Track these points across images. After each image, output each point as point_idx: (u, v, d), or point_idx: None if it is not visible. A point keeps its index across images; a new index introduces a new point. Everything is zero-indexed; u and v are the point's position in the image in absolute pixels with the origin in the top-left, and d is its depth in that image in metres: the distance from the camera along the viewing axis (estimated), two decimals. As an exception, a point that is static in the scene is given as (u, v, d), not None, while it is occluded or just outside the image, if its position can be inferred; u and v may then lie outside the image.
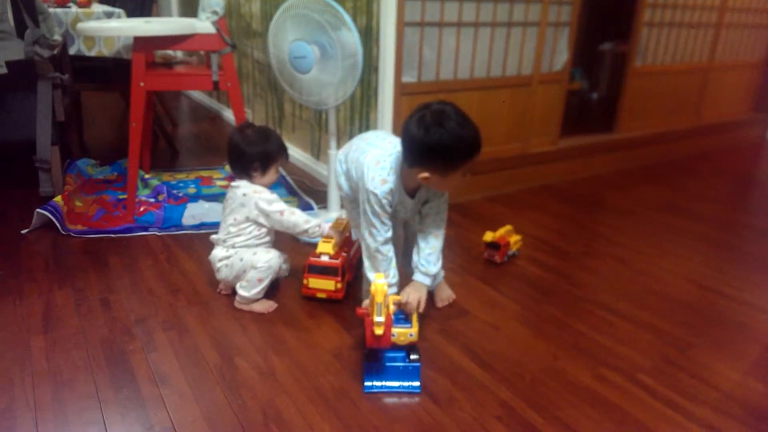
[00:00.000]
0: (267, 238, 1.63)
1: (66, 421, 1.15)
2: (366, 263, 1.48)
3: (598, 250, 2.08)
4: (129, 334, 1.45)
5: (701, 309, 1.70)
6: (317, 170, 2.70)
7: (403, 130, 1.32)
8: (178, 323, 1.50)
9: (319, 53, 1.81)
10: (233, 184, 1.61)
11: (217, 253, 1.60)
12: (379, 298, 1.19)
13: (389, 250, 1.42)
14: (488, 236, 1.91)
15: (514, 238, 1.96)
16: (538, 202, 2.56)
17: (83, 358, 1.35)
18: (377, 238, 1.40)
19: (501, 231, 1.93)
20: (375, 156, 1.39)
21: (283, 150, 1.64)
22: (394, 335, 1.26)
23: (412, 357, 1.29)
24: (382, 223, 1.39)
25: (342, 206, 2.15)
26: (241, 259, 1.55)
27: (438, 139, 1.26)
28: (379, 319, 1.19)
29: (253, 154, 1.57)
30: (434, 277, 1.48)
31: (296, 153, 2.94)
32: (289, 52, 1.86)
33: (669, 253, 2.08)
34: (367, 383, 1.27)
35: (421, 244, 1.48)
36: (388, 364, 1.28)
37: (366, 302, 1.42)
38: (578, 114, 3.92)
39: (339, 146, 2.06)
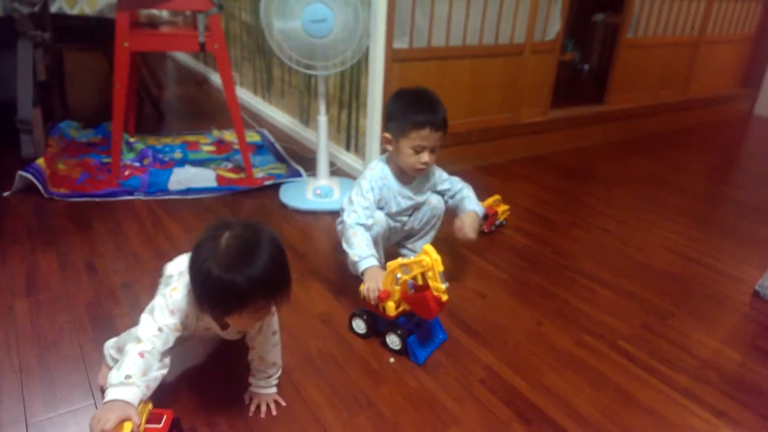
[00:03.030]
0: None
1: (52, 384, 1.15)
2: (344, 243, 1.44)
3: (584, 221, 2.10)
4: (114, 298, 1.44)
5: (682, 279, 1.73)
6: (306, 137, 2.67)
7: None
8: (164, 287, 1.50)
9: (337, 13, 1.76)
10: None
11: None
12: (439, 267, 1.20)
13: (363, 230, 1.42)
14: (476, 205, 1.91)
15: (502, 208, 1.96)
16: (526, 172, 2.57)
17: (68, 321, 1.34)
18: (353, 217, 1.42)
19: (489, 200, 1.94)
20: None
21: (274, 290, 0.94)
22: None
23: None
24: (364, 207, 1.44)
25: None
26: None
27: (395, 102, 1.42)
28: (446, 285, 1.21)
29: (198, 286, 0.94)
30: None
31: (285, 119, 2.90)
32: (303, 17, 1.75)
33: (653, 224, 2.10)
34: (421, 355, 1.28)
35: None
36: (419, 330, 1.32)
37: (365, 287, 1.37)
38: (569, 85, 3.91)
39: (328, 112, 2.03)
